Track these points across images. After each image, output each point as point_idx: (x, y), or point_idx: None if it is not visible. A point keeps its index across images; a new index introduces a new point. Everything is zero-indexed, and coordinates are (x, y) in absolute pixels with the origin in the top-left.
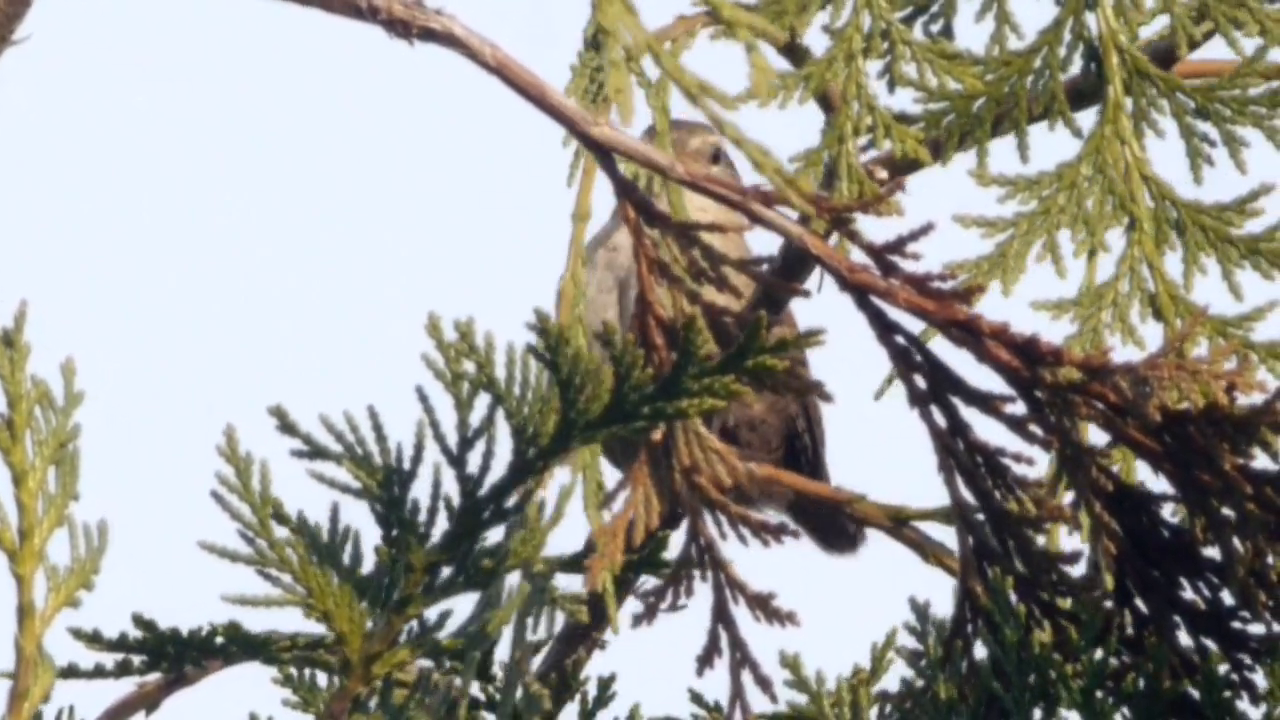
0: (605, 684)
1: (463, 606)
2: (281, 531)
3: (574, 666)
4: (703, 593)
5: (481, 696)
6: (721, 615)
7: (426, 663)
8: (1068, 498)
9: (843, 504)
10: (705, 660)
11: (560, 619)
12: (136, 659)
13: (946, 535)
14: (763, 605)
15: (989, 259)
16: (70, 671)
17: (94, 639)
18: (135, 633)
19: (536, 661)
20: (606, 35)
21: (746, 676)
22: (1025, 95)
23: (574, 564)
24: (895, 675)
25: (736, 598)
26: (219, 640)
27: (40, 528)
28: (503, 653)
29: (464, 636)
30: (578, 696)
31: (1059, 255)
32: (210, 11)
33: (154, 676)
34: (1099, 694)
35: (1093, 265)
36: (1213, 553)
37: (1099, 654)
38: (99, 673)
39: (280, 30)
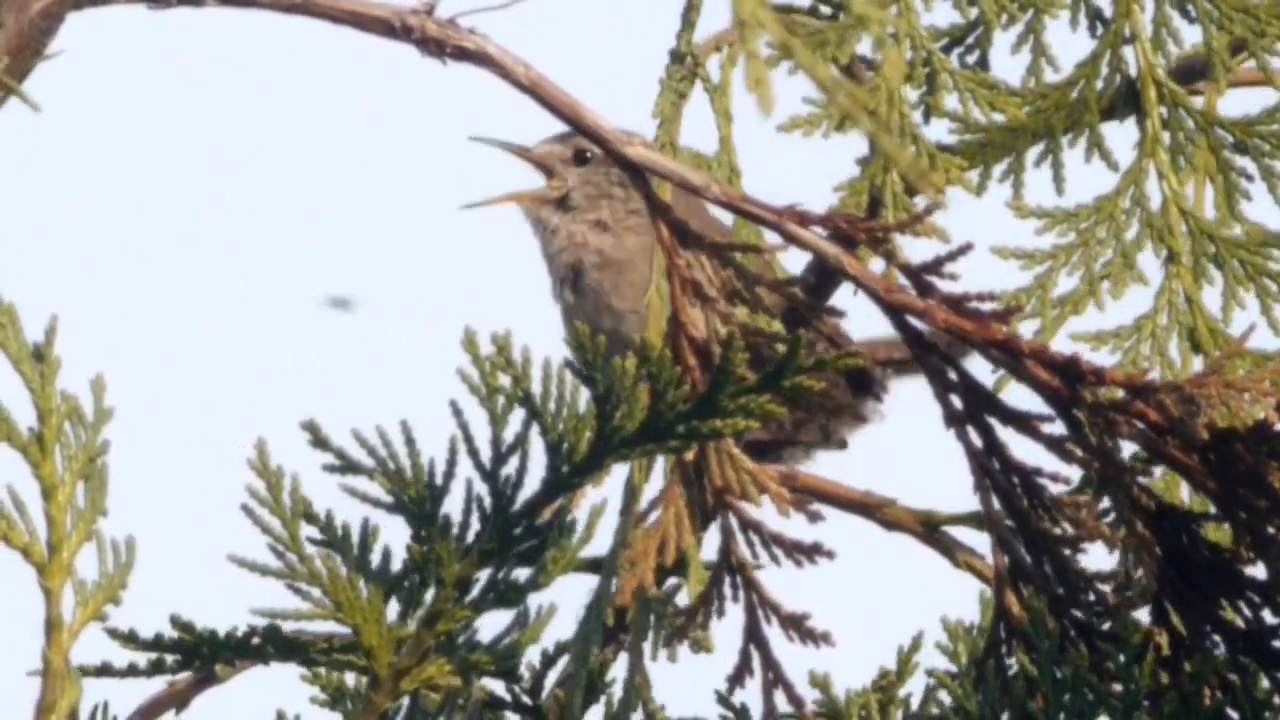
0: None
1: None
2: (311, 547)
3: (600, 668)
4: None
5: (507, 698)
6: (754, 636)
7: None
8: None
9: (873, 509)
10: (736, 680)
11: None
12: (170, 658)
13: (977, 540)
14: (796, 626)
15: (1028, 291)
16: (104, 670)
17: (130, 639)
18: (171, 633)
19: (561, 664)
20: (744, 26)
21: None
22: (1062, 128)
23: (595, 566)
24: (920, 680)
25: (770, 618)
26: (255, 642)
27: (69, 542)
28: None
29: (494, 652)
30: (603, 698)
31: (1097, 287)
32: (245, 33)
33: (184, 675)
34: (1136, 714)
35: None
36: (1254, 571)
37: (1137, 674)
38: (132, 671)
39: (320, 54)
